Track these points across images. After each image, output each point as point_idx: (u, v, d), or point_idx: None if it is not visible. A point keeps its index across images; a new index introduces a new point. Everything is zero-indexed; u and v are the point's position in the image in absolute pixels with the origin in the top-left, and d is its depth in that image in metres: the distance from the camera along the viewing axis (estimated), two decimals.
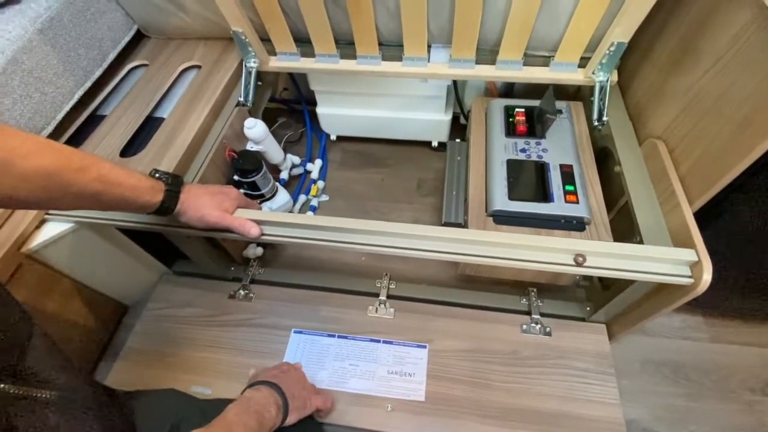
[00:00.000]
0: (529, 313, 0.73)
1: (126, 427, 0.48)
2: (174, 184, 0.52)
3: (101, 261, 0.72)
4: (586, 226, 0.59)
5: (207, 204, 0.54)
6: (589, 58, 0.69)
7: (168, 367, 0.69)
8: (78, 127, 0.74)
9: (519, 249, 0.53)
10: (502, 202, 0.61)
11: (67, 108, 0.70)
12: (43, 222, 0.62)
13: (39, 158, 0.39)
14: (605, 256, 0.51)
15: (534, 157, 0.66)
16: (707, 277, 0.48)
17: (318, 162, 1.01)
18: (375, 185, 0.99)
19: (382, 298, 0.75)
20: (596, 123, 0.70)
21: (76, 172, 0.42)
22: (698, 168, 0.55)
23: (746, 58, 0.48)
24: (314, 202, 0.95)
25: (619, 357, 0.72)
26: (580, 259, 0.51)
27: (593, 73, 0.69)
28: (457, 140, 0.82)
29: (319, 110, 0.97)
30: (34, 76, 0.64)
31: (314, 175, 0.99)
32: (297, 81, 1.02)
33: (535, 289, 0.75)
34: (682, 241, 0.53)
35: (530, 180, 0.63)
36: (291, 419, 0.53)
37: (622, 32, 0.62)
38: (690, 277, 0.50)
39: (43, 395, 0.36)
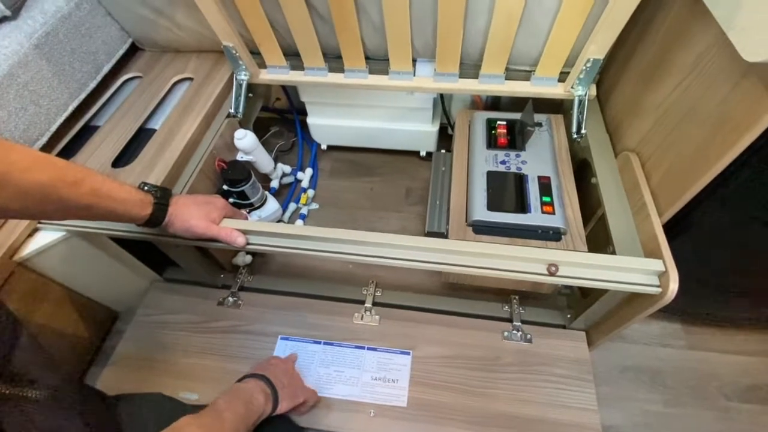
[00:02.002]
0: (510, 320, 0.74)
1: (112, 428, 0.49)
2: (163, 197, 0.54)
3: (92, 269, 0.73)
4: (562, 237, 0.61)
5: (194, 215, 0.56)
6: (569, 73, 0.71)
7: (157, 373, 0.71)
8: (72, 137, 0.76)
9: (495, 258, 0.55)
10: (481, 212, 0.63)
11: (60, 120, 0.72)
12: (35, 231, 0.63)
13: (37, 172, 0.40)
14: (577, 266, 0.53)
15: (513, 169, 0.68)
16: (674, 286, 0.50)
17: (308, 171, 1.03)
18: (364, 194, 1.01)
19: (368, 305, 0.77)
20: (575, 135, 0.72)
21: (71, 186, 0.43)
22: (668, 180, 0.57)
23: (708, 77, 0.50)
24: (304, 211, 0.97)
25: (599, 364, 0.73)
26: (553, 268, 0.53)
27: (572, 87, 0.72)
28: (443, 151, 0.84)
29: (310, 120, 0.99)
30: (30, 90, 0.66)
31: (305, 183, 1.01)
32: (288, 92, 1.05)
33: (517, 297, 0.77)
34: (652, 251, 0.55)
35: (509, 191, 0.65)
36: (283, 407, 0.56)
37: (596, 49, 0.64)
38: (658, 286, 0.52)
39: (31, 395, 0.38)
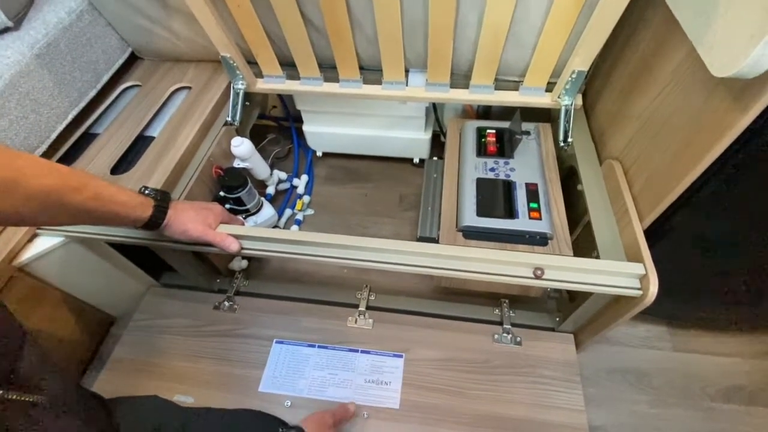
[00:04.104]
0: (501, 323, 0.76)
1: (111, 430, 0.50)
2: (162, 200, 0.55)
3: (90, 274, 0.74)
4: (549, 241, 0.63)
5: (191, 219, 0.58)
6: (556, 83, 0.74)
7: (153, 377, 0.72)
8: (71, 144, 0.77)
9: (484, 263, 0.57)
10: (471, 218, 0.65)
11: (60, 128, 0.73)
12: (34, 236, 0.65)
13: (43, 178, 0.41)
14: (562, 270, 0.55)
15: (502, 176, 0.70)
16: (654, 289, 0.52)
17: (304, 177, 1.05)
18: (359, 200, 1.03)
19: (362, 309, 0.78)
20: (562, 144, 0.74)
21: (74, 191, 0.44)
22: (648, 186, 0.59)
23: (683, 89, 0.53)
24: (300, 216, 0.99)
25: (587, 365, 0.75)
26: (539, 272, 0.55)
27: (559, 97, 0.74)
28: (435, 158, 0.86)
29: (306, 128, 1.01)
30: (31, 99, 0.67)
31: (300, 190, 1.03)
32: (284, 100, 1.07)
33: (507, 301, 0.79)
34: (633, 255, 0.57)
35: (498, 198, 0.67)
36: None
37: (581, 62, 0.67)
38: (639, 289, 0.54)
39: (35, 399, 0.39)
